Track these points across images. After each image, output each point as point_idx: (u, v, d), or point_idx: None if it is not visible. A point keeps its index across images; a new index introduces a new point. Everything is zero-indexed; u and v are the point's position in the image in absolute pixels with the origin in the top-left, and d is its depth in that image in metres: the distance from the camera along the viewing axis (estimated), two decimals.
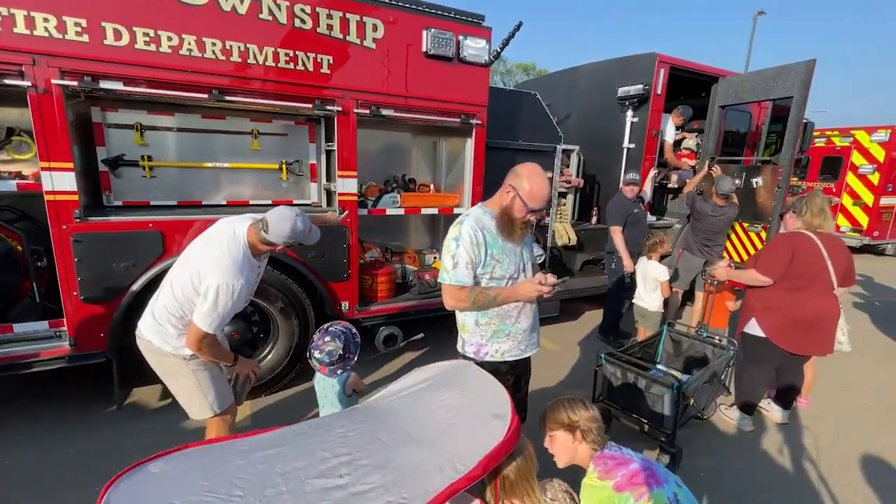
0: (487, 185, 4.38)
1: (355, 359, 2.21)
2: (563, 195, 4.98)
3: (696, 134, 6.00)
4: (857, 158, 9.80)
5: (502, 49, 4.61)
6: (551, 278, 2.04)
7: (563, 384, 3.87)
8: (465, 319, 2.12)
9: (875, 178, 9.51)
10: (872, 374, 4.30)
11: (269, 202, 3.56)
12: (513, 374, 2.19)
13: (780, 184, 4.63)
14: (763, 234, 5.04)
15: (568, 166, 4.98)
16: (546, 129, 4.61)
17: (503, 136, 4.36)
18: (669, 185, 5.80)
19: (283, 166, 3.57)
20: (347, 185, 3.42)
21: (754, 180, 4.92)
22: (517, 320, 2.11)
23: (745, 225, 5.24)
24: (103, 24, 2.55)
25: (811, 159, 10.64)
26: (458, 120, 3.75)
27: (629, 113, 4.96)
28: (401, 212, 3.85)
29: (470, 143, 3.95)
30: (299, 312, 3.41)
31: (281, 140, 3.58)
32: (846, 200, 9.99)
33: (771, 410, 3.39)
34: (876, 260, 10.11)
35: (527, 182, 1.95)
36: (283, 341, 3.44)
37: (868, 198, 9.63)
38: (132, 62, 2.65)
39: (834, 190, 10.18)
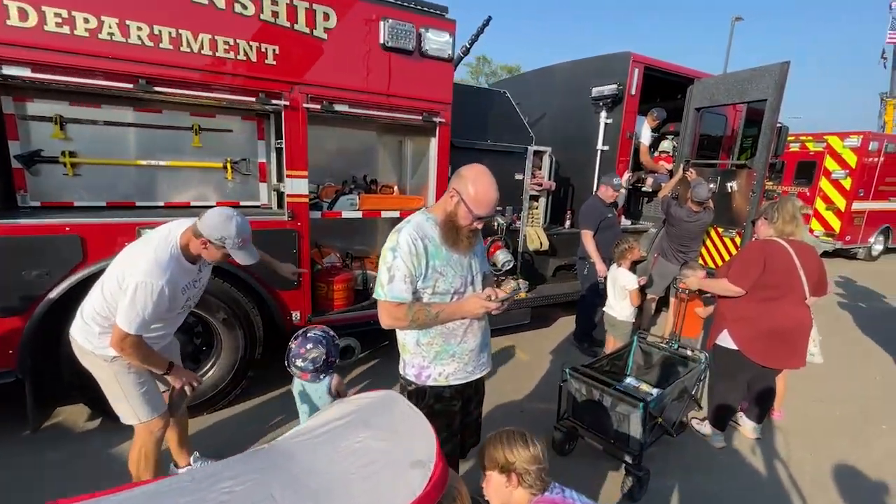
0: None
1: (336, 361, 2.13)
2: (534, 198, 4.80)
3: (672, 137, 5.90)
4: (830, 164, 9.90)
5: (471, 45, 4.42)
6: (501, 292, 1.83)
7: (532, 397, 3.68)
8: (405, 339, 1.89)
9: (847, 184, 9.62)
10: (845, 384, 4.22)
11: (213, 203, 3.28)
12: (460, 399, 1.97)
13: (754, 188, 4.53)
14: (738, 240, 4.94)
15: (540, 168, 4.81)
16: (516, 130, 4.43)
17: (471, 135, 4.16)
18: (644, 189, 5.67)
19: (229, 165, 3.30)
20: (297, 186, 3.16)
21: (729, 184, 4.81)
22: (463, 339, 1.90)
23: (720, 230, 5.15)
24: (6, 2, 2.26)
25: (786, 164, 10.77)
26: (420, 118, 3.53)
27: (603, 114, 4.81)
28: (358, 215, 3.61)
29: (434, 143, 3.73)
30: (245, 324, 3.14)
31: (226, 136, 3.31)
32: (819, 205, 10.09)
33: (743, 425, 3.25)
34: (848, 264, 10.23)
35: (472, 186, 1.74)
36: (228, 355, 3.16)
37: (840, 203, 9.74)
38: (42, 46, 2.35)
39: (808, 194, 10.28)
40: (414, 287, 1.75)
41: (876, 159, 9.75)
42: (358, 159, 4.18)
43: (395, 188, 4.20)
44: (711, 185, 4.97)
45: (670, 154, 5.77)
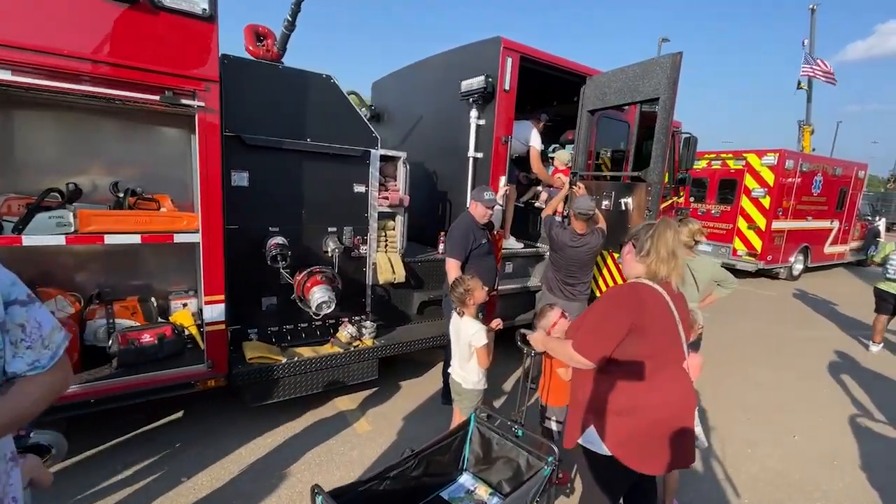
0: (256, 200, 3.07)
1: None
2: (387, 216, 3.75)
3: (572, 146, 5.09)
4: (749, 182, 9.67)
5: (294, 17, 3.36)
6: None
7: None
8: None
9: (766, 202, 9.38)
10: (742, 464, 3.39)
11: None
12: None
13: (649, 205, 3.71)
14: None
15: (395, 179, 3.78)
16: (353, 128, 3.39)
17: (277, 131, 3.07)
18: (538, 205, 4.79)
19: None
20: None
21: (623, 201, 3.99)
22: None
23: (617, 256, 4.29)
24: None
25: (709, 180, 10.51)
26: (158, 98, 2.39)
27: (473, 113, 3.88)
28: (61, 241, 2.38)
29: (194, 138, 2.60)
30: None
31: None
32: (742, 224, 9.81)
33: None
34: (771, 285, 9.97)
35: None
36: None
37: (761, 221, 9.48)
38: None
39: (728, 211, 10.00)
40: None
41: (793, 179, 9.61)
42: (110, 159, 2.99)
43: (169, 201, 3.01)
44: (605, 202, 4.14)
45: (569, 166, 4.95)
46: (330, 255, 3.38)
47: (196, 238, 2.67)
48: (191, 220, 2.72)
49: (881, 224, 13.88)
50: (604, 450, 1.85)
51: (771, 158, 9.32)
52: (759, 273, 10.08)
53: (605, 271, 4.29)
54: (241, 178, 3.00)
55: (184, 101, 2.45)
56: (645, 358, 1.79)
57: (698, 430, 2.22)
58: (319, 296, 3.01)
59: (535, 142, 4.69)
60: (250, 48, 3.43)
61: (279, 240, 3.08)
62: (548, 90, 5.30)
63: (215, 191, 2.66)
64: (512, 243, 4.76)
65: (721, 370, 4.83)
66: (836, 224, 11.32)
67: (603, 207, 4.18)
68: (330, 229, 3.44)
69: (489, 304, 4.19)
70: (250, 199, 3.06)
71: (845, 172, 11.17)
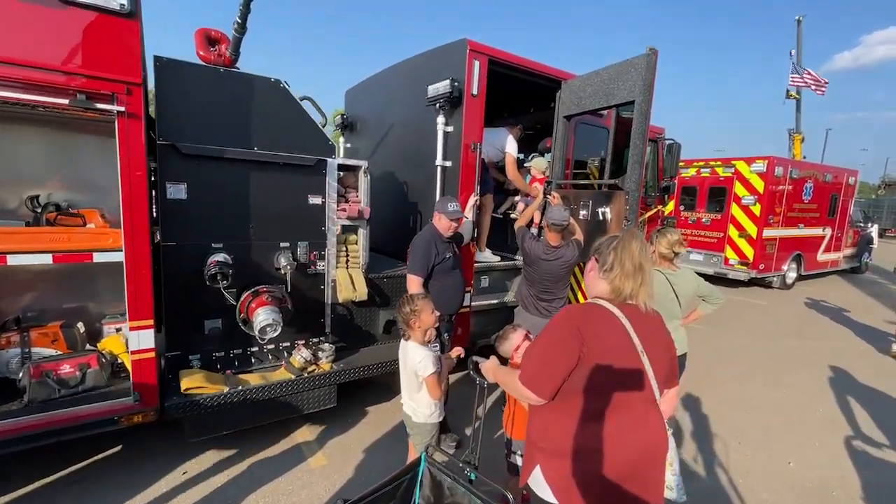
0: (196, 214, 2.82)
1: None
2: (349, 230, 3.50)
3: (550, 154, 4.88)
4: (739, 189, 9.50)
5: (243, 19, 3.14)
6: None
7: None
8: None
9: (757, 210, 9.20)
10: (733, 498, 3.11)
11: None
12: None
13: (627, 214, 3.48)
14: None
15: (356, 189, 3.53)
16: (306, 135, 3.15)
17: (220, 140, 2.82)
18: (514, 216, 4.56)
19: None
20: None
21: (601, 210, 3.75)
22: None
23: None
24: None
25: (698, 189, 10.34)
26: (67, 102, 2.14)
27: (440, 119, 3.65)
28: None
29: (116, 145, 2.34)
30: None
31: None
32: (732, 232, 9.61)
33: None
34: (765, 294, 9.74)
35: None
36: None
37: (752, 229, 9.28)
38: None
39: (719, 219, 9.82)
40: None
41: (783, 186, 9.46)
42: (40, 171, 2.73)
43: (99, 215, 2.75)
44: (582, 212, 3.91)
45: (546, 174, 4.73)
46: (282, 272, 3.12)
47: (119, 257, 2.41)
48: (116, 237, 2.46)
49: (874, 230, 13.75)
50: (549, 496, 1.58)
51: (760, 165, 9.16)
52: (752, 282, 9.86)
53: (582, 285, 4.04)
54: (177, 191, 2.75)
55: (99, 106, 2.21)
56: (594, 392, 1.52)
57: (672, 478, 1.94)
58: (263, 318, 2.74)
59: (511, 149, 4.47)
60: (201, 53, 3.23)
61: (220, 257, 2.82)
62: (525, 97, 5.11)
63: (140, 204, 2.40)
64: (487, 256, 4.51)
65: (711, 389, 4.56)
66: (828, 231, 11.15)
67: (581, 217, 3.95)
68: (282, 244, 3.18)
69: (460, 322, 3.93)
70: (189, 214, 2.80)
71: (836, 179, 11.05)
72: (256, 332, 2.76)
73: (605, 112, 4.05)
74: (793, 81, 16.04)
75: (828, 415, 4.15)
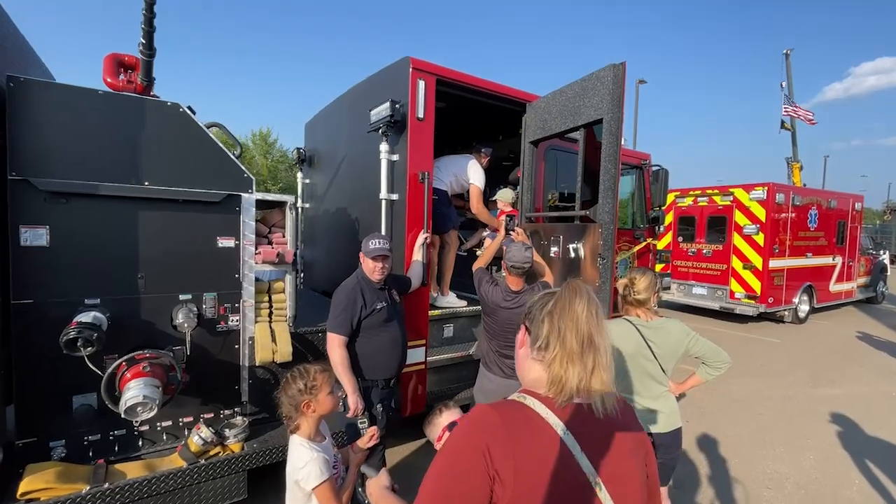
0: (62, 264, 2.30)
1: None
2: (275, 276, 2.95)
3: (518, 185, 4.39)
4: (739, 218, 8.97)
5: (149, 38, 2.74)
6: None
7: None
8: None
9: (760, 239, 8.62)
10: None
11: None
12: None
13: (602, 251, 2.92)
14: None
15: (282, 229, 3.02)
16: (213, 167, 2.68)
17: (102, 173, 2.34)
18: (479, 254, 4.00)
19: None
20: None
21: (572, 246, 3.21)
22: None
23: None
24: None
25: (697, 218, 9.82)
26: None
27: (383, 147, 3.19)
28: None
29: None
30: None
31: None
32: (736, 264, 9.00)
33: None
34: (777, 330, 8.99)
35: None
36: None
37: (757, 260, 8.67)
38: None
39: (720, 250, 9.23)
40: None
41: (786, 214, 8.93)
42: None
43: None
44: (554, 248, 3.36)
45: (516, 207, 4.22)
46: (181, 331, 2.56)
47: None
48: None
49: (885, 257, 13.07)
50: None
51: (760, 193, 8.67)
52: (762, 317, 9.13)
53: None
54: (35, 236, 2.24)
55: None
56: None
57: None
58: (131, 395, 2.15)
59: (475, 178, 3.99)
60: (108, 80, 2.84)
61: (87, 317, 2.26)
62: (493, 124, 4.70)
63: None
64: (451, 300, 3.94)
65: (719, 454, 3.83)
66: (839, 260, 10.50)
67: (552, 255, 3.40)
68: (182, 297, 2.63)
69: (415, 381, 3.31)
70: (53, 264, 2.28)
71: (841, 205, 10.52)
72: (122, 413, 2.16)
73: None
74: (785, 112, 16.32)
75: (864, 492, 3.39)
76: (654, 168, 4.80)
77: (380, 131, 3.22)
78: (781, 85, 16.27)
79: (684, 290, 9.96)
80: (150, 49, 2.74)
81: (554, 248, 3.38)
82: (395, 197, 3.28)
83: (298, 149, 5.15)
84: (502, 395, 2.71)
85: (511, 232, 3.23)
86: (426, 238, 3.20)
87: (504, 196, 4.22)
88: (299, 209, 5.28)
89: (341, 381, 2.42)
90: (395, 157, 3.26)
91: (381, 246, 2.53)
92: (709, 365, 2.29)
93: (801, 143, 16.87)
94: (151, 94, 3.06)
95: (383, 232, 3.23)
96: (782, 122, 16.77)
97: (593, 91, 2.99)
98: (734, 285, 9.04)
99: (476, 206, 3.96)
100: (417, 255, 3.17)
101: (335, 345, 2.43)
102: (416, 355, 3.29)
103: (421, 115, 3.18)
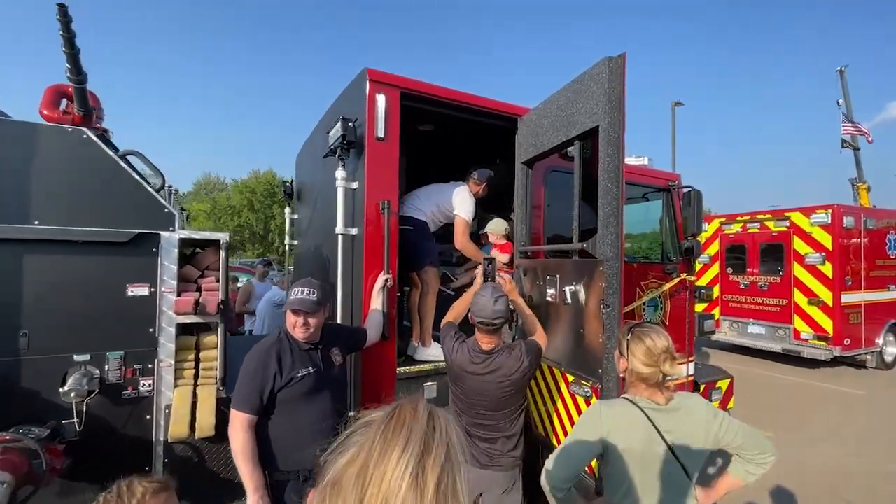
0: None
1: None
2: (201, 328, 2.46)
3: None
4: (799, 245, 7.78)
5: (75, 63, 2.47)
6: None
7: None
8: None
9: (828, 270, 7.39)
10: None
11: None
12: None
13: (605, 297, 2.22)
14: (595, 400, 2.47)
15: (216, 272, 2.55)
16: (125, 202, 2.27)
17: None
18: None
19: None
20: None
21: (569, 289, 2.51)
22: None
23: (570, 377, 2.66)
24: None
25: (747, 247, 8.66)
26: None
27: (339, 174, 2.70)
28: None
29: None
30: None
31: None
32: (799, 298, 7.74)
33: None
34: (858, 378, 7.54)
35: None
36: None
37: (825, 295, 7.40)
38: None
39: (778, 282, 8.00)
40: None
41: (857, 239, 7.67)
42: None
43: None
44: (550, 290, 2.69)
45: (510, 240, 3.58)
46: (67, 400, 2.09)
47: None
48: None
49: None
50: None
51: (822, 216, 7.51)
52: (837, 361, 7.72)
53: (550, 410, 2.66)
54: None
55: None
56: None
57: None
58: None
59: (461, 208, 3.41)
60: (45, 112, 2.60)
61: None
62: (489, 146, 4.15)
63: None
64: (433, 352, 3.29)
65: None
66: None
67: (549, 298, 2.72)
68: (77, 358, 2.17)
69: None
70: None
71: None
72: None
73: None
74: (845, 130, 15.19)
75: None
76: (685, 189, 4.04)
77: (336, 155, 2.74)
78: (838, 103, 15.29)
79: (738, 328, 8.70)
80: (78, 74, 2.45)
81: (550, 291, 2.70)
82: (353, 231, 2.75)
83: (285, 182, 4.82)
84: (479, 489, 1.96)
85: (491, 280, 2.55)
86: (387, 281, 2.62)
87: (495, 227, 3.60)
88: (287, 246, 4.91)
89: (241, 475, 1.83)
90: (354, 185, 2.76)
91: (304, 297, 1.97)
92: (746, 460, 1.52)
93: (865, 163, 15.45)
94: (96, 125, 2.78)
95: (339, 273, 2.69)
96: (843, 141, 15.57)
97: (587, 94, 2.39)
98: (799, 324, 7.74)
99: (461, 239, 3.36)
100: (376, 301, 2.59)
101: (237, 426, 1.85)
102: None
103: (381, 134, 2.68)
